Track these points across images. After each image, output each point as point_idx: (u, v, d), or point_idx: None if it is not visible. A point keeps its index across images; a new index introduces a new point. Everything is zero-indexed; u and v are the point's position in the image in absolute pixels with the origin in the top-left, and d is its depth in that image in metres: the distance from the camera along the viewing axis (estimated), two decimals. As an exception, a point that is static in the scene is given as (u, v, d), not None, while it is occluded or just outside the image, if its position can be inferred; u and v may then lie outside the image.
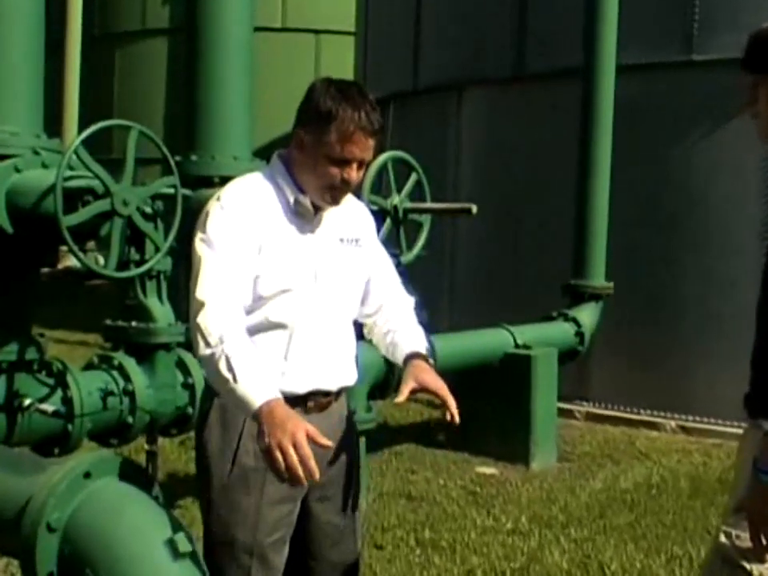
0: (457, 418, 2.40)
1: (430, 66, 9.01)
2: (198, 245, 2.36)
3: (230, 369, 2.21)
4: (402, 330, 2.58)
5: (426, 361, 2.49)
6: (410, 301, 2.70)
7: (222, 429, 2.45)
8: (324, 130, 2.33)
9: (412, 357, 2.50)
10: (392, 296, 2.65)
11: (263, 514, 2.43)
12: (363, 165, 2.37)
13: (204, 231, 2.36)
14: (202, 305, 2.29)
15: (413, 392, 2.42)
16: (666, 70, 7.30)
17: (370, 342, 2.68)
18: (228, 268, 2.33)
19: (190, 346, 3.09)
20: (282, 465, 2.09)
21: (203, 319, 2.28)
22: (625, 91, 6.93)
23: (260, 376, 2.22)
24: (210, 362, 2.26)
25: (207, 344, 2.26)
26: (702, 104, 7.20)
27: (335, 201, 2.43)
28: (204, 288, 2.31)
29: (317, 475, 2.10)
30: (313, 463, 2.09)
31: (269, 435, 2.11)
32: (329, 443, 2.16)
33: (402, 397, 2.39)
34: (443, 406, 2.42)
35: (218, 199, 2.40)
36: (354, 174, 2.36)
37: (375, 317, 2.62)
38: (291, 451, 2.08)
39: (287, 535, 2.50)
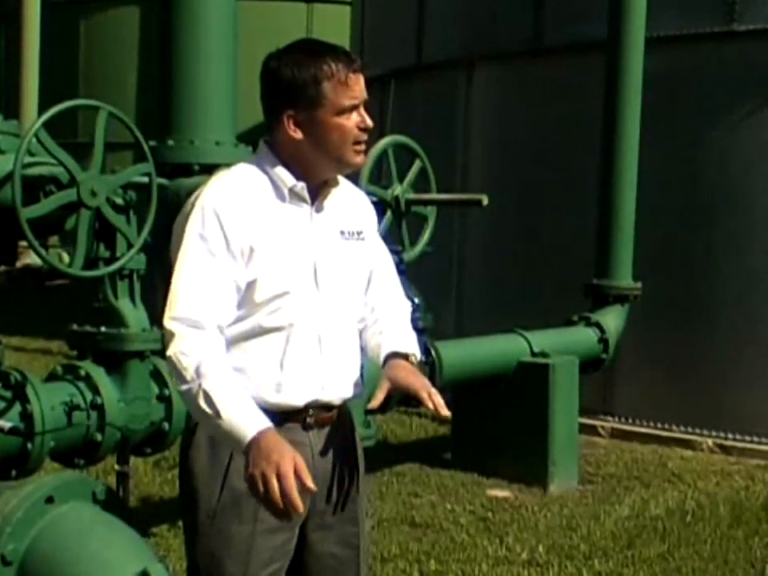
0: (444, 411, 2.40)
1: (435, 39, 9.02)
2: (176, 255, 2.39)
3: (211, 404, 2.26)
4: (389, 331, 2.59)
5: (407, 359, 2.51)
6: (406, 305, 2.72)
7: (210, 447, 2.45)
8: (318, 94, 2.41)
9: (391, 357, 2.53)
10: (387, 298, 2.67)
11: (257, 544, 2.43)
12: (366, 108, 2.48)
13: (182, 239, 2.39)
14: (172, 334, 2.33)
15: (390, 394, 2.43)
16: (703, 42, 7.30)
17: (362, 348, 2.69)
18: (207, 284, 2.35)
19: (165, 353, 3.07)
20: (263, 497, 2.17)
21: (175, 351, 2.32)
22: (656, 66, 6.93)
23: (245, 408, 2.28)
24: (188, 399, 2.33)
25: (183, 379, 2.31)
26: (744, 79, 7.20)
27: (364, 152, 2.53)
28: (176, 311, 2.34)
29: (300, 509, 2.16)
30: (296, 496, 2.14)
31: (252, 465, 2.19)
32: (313, 487, 2.19)
33: (375, 402, 2.42)
34: (421, 405, 2.41)
35: (199, 199, 2.42)
36: (367, 117, 2.47)
37: (366, 320, 2.63)
38: (274, 482, 2.15)
39: (283, 568, 2.49)
